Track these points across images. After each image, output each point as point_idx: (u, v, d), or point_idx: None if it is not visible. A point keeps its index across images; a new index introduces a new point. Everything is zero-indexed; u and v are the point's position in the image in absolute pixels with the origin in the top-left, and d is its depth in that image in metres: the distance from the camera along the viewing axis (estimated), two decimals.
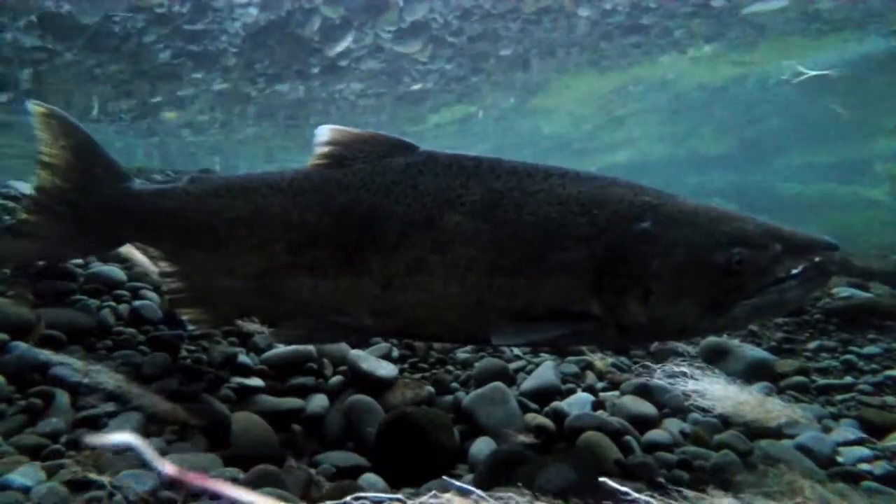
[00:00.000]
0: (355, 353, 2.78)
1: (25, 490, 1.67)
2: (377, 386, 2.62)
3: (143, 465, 1.95)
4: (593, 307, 2.09)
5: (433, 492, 1.54)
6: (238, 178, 2.49)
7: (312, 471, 2.06)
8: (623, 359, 3.41)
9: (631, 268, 2.07)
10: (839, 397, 3.20)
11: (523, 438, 2.44)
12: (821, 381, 3.36)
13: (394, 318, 2.25)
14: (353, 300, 2.25)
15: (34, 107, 2.46)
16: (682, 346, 3.47)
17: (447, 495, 1.53)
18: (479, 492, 1.54)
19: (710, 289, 2.06)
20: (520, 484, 1.70)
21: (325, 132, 2.36)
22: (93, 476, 1.77)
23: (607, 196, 2.16)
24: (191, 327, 2.52)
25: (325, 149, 2.35)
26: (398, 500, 1.53)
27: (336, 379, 2.73)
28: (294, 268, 2.28)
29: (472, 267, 2.12)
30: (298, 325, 2.33)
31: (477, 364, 3.01)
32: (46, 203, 2.50)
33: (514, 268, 2.11)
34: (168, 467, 0.93)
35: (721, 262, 2.04)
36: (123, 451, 1.88)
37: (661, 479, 2.14)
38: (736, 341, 3.54)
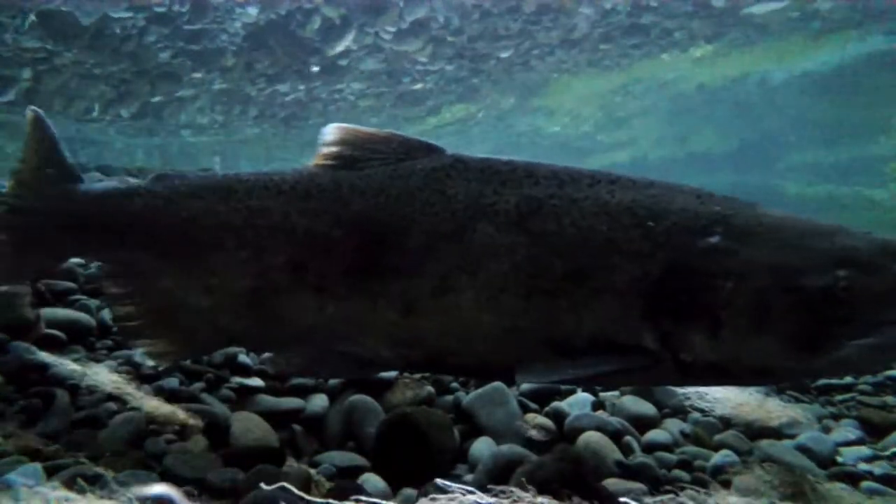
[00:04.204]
0: None
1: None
2: (377, 386, 2.62)
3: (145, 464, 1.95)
4: (646, 339, 1.76)
5: (431, 495, 1.54)
6: (224, 177, 2.15)
7: (312, 471, 2.05)
8: None
9: (696, 293, 1.72)
10: (839, 397, 3.20)
11: (533, 433, 2.43)
12: (821, 381, 3.35)
13: (416, 349, 1.95)
14: (367, 327, 1.94)
15: (29, 113, 2.20)
16: None
17: (444, 497, 1.53)
18: (479, 493, 1.54)
19: (804, 322, 1.67)
20: (522, 479, 1.69)
21: (332, 131, 2.07)
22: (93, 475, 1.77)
23: (666, 205, 1.83)
24: (149, 363, 2.13)
25: (333, 149, 2.05)
26: None
27: (336, 379, 2.72)
28: (296, 286, 1.96)
29: (507, 289, 1.82)
30: (299, 353, 2.03)
31: None
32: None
33: (553, 290, 1.80)
34: None
35: (818, 288, 1.65)
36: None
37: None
38: None
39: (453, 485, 1.60)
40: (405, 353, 1.98)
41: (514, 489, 1.60)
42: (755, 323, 1.69)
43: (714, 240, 1.76)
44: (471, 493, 1.55)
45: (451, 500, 1.53)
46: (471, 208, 1.88)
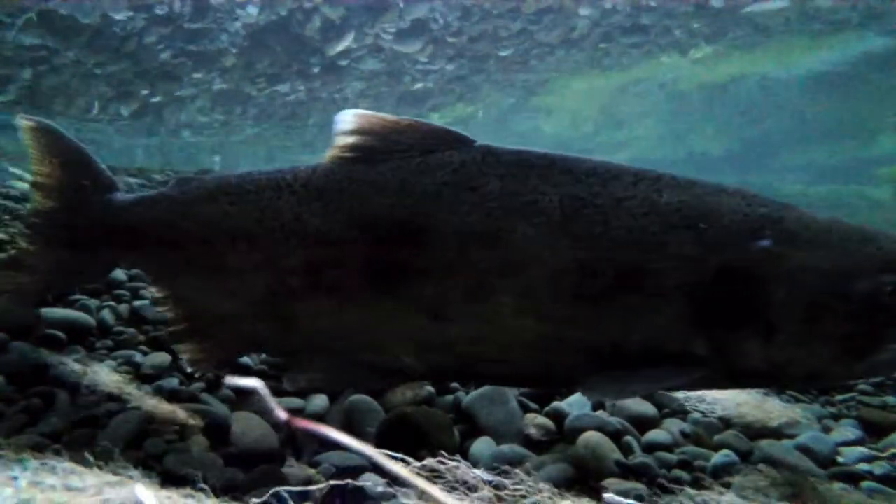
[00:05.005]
0: None
1: None
2: None
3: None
4: (697, 347, 1.71)
5: (438, 458, 1.55)
6: (237, 177, 2.08)
7: (312, 471, 2.05)
8: None
9: (748, 297, 1.68)
10: (839, 397, 3.20)
11: (533, 431, 2.44)
12: None
13: (445, 356, 1.86)
14: (391, 333, 1.86)
15: (23, 121, 2.15)
16: None
17: (451, 464, 1.54)
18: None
19: (851, 326, 1.67)
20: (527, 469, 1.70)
21: (349, 118, 1.90)
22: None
23: (715, 206, 1.77)
24: (188, 369, 2.13)
25: (351, 139, 1.90)
26: (402, 458, 1.51)
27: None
28: (313, 290, 1.88)
29: (550, 293, 1.73)
30: (318, 366, 1.97)
31: None
32: (42, 229, 2.17)
33: (600, 295, 1.71)
34: (282, 413, 0.96)
35: (866, 293, 1.65)
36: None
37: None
38: None
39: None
40: (433, 361, 1.89)
41: (517, 471, 1.61)
42: (808, 328, 1.67)
43: (767, 243, 1.72)
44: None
45: (457, 467, 1.55)
46: (507, 206, 1.77)
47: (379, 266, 1.82)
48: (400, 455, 1.56)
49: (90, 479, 1.35)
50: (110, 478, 1.41)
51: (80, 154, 2.19)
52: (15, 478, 1.28)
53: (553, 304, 1.74)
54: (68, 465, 1.43)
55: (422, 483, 0.96)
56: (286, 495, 1.62)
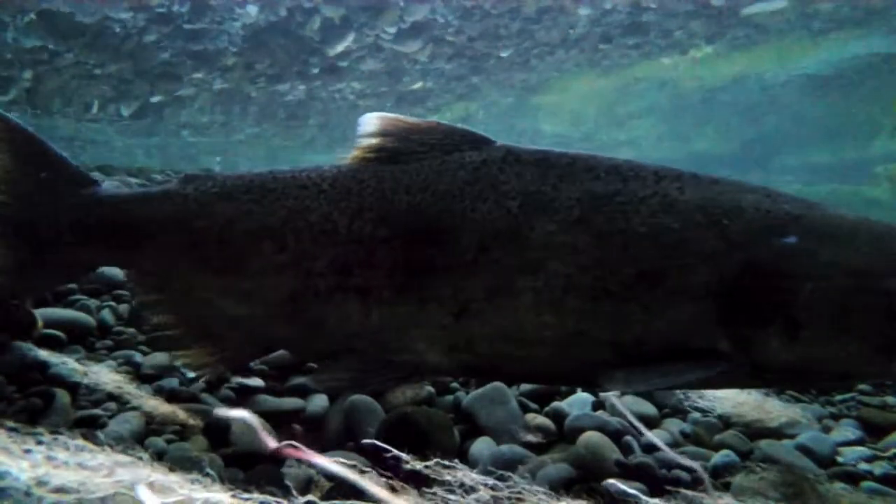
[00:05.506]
0: None
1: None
2: None
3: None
4: (721, 343, 1.70)
5: (437, 460, 1.55)
6: (257, 175, 2.03)
7: (312, 471, 2.05)
8: None
9: (773, 294, 1.68)
10: (839, 397, 3.20)
11: (530, 437, 2.44)
12: None
13: (469, 354, 1.86)
14: (416, 332, 1.86)
15: None
16: None
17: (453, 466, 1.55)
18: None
19: (883, 325, 1.63)
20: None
21: (372, 121, 1.94)
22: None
23: (737, 203, 1.77)
24: (190, 374, 2.07)
25: (374, 141, 1.93)
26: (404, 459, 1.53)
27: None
28: (340, 291, 1.87)
29: (571, 290, 1.74)
30: (345, 367, 1.94)
31: None
32: None
33: (622, 292, 1.72)
34: (272, 442, 0.97)
35: (893, 290, 1.63)
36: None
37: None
38: None
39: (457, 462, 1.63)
40: (457, 359, 1.89)
41: (512, 475, 1.62)
42: (834, 326, 1.66)
43: (791, 240, 1.72)
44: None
45: (458, 470, 1.56)
46: (527, 204, 1.79)
47: (405, 265, 1.83)
48: (398, 453, 1.57)
49: (101, 458, 1.35)
50: (122, 458, 1.40)
51: (39, 146, 2.07)
52: (29, 451, 1.28)
53: (577, 301, 1.74)
54: (80, 441, 1.42)
55: (385, 495, 0.97)
56: (290, 484, 1.62)
